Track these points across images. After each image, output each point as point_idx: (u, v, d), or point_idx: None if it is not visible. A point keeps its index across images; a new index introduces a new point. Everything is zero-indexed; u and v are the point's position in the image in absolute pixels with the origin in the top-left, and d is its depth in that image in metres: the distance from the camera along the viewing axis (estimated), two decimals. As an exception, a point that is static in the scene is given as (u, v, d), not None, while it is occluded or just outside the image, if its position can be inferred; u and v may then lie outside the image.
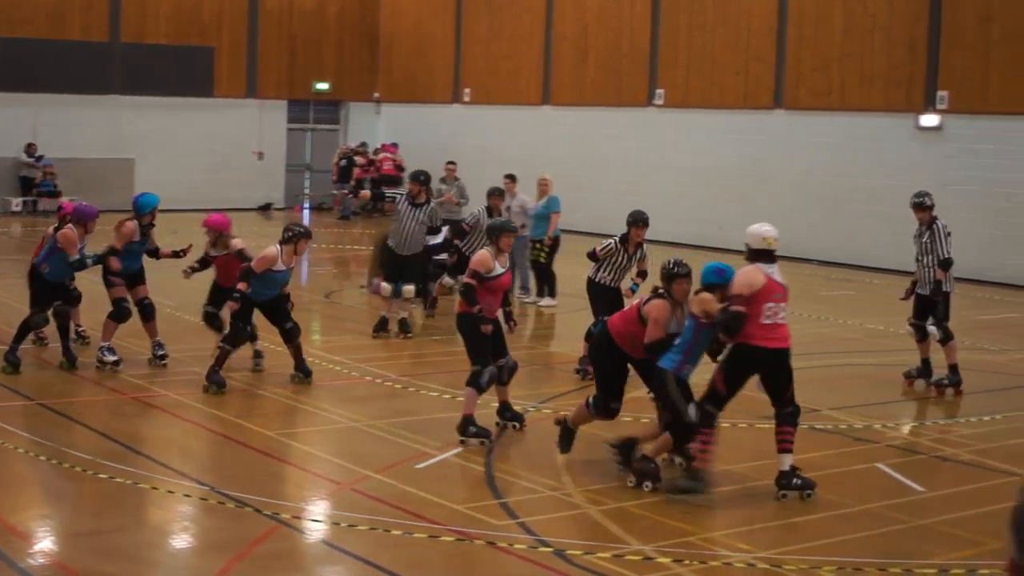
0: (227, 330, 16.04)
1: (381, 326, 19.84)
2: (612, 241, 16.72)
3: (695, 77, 36.28)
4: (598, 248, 16.80)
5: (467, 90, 42.94)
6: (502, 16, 41.74)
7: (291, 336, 16.15)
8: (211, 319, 17.11)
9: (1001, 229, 29.31)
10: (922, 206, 17.63)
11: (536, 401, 15.60)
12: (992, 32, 30.12)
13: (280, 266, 15.74)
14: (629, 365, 12.62)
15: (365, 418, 14.58)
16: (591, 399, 12.68)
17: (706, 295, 11.93)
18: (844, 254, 31.76)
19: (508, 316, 14.39)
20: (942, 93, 31.01)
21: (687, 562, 9.99)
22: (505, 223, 14.39)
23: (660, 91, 37.09)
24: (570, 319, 21.53)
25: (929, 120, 31.12)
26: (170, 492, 11.47)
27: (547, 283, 23.31)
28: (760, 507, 11.72)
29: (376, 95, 45.81)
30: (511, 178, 24.05)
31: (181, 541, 10.51)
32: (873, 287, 28.32)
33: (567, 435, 12.98)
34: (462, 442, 13.41)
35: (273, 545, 10.23)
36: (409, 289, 19.65)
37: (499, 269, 13.92)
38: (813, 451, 13.62)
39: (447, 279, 21.56)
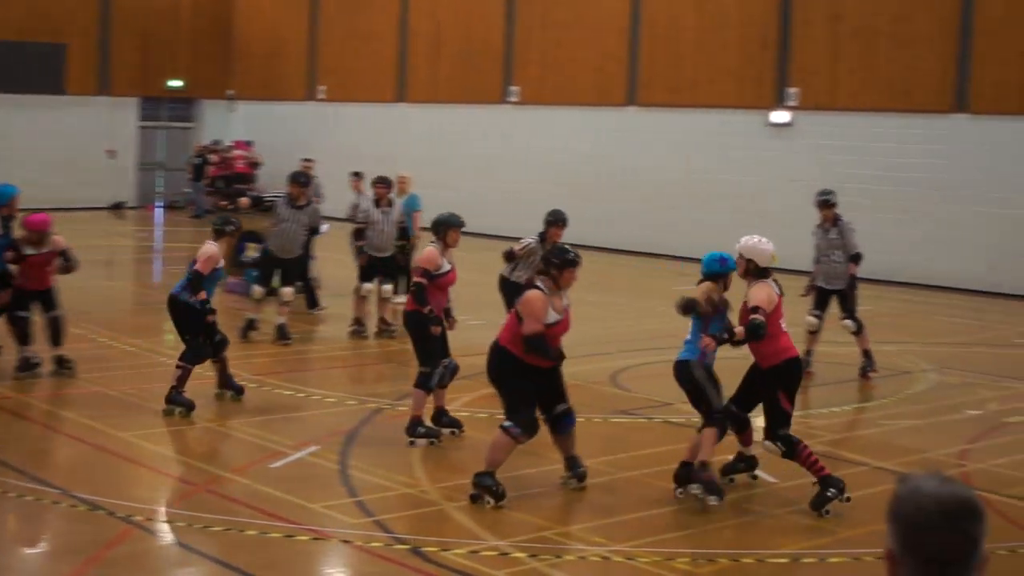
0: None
1: (249, 327, 19.61)
2: (531, 240, 16.77)
3: (549, 74, 36.44)
4: (516, 247, 16.83)
5: (322, 87, 42.74)
6: (356, 13, 41.60)
7: (220, 349, 15.09)
8: (19, 323, 16.02)
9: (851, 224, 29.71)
10: (827, 204, 18.39)
11: (392, 399, 15.55)
12: (841, 30, 30.59)
13: (221, 263, 15.12)
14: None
15: (219, 418, 14.44)
16: (507, 426, 11.50)
17: (709, 284, 11.96)
18: (697, 249, 31.97)
19: (448, 313, 14.20)
20: (792, 90, 31.45)
21: (543, 557, 10.00)
22: (452, 217, 14.10)
23: (514, 88, 37.19)
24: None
25: (780, 116, 31.54)
26: (21, 496, 11.26)
27: (405, 280, 23.21)
28: (614, 500, 11.77)
29: (230, 93, 45.42)
30: (357, 175, 23.87)
31: (33, 546, 10.32)
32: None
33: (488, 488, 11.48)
34: (411, 443, 13.31)
35: (127, 548, 10.07)
36: (287, 291, 19.32)
37: (446, 266, 13.83)
38: (667, 444, 13.73)
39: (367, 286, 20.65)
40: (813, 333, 18.05)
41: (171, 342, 18.92)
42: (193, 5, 44.56)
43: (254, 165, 41.61)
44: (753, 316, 11.53)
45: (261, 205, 21.69)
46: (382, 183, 20.77)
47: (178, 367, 14.54)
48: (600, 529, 10.82)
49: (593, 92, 35.38)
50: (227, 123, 45.08)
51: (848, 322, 18.02)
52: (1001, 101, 28.21)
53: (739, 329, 11.61)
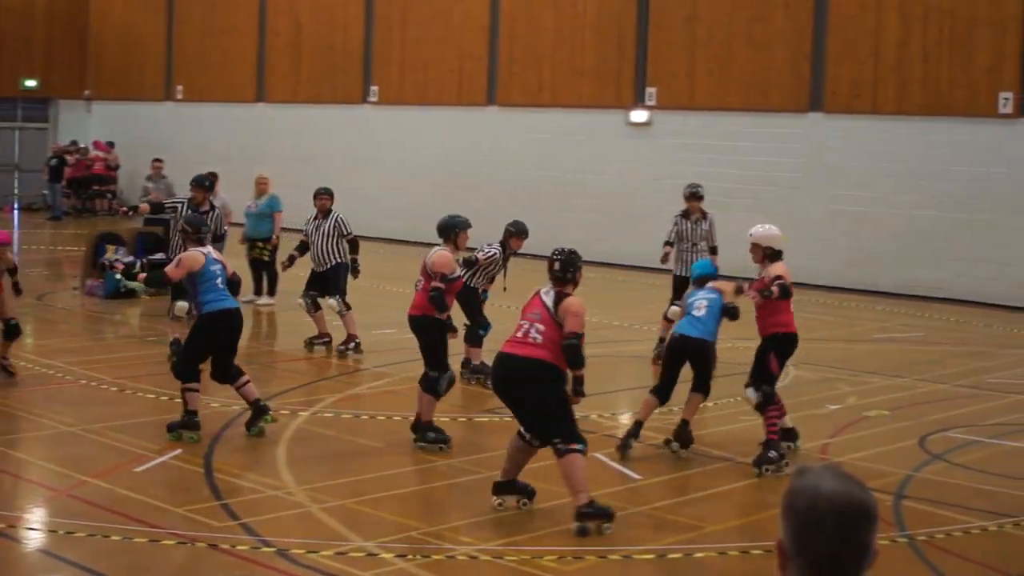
0: None
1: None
2: (495, 249, 17.17)
3: (409, 74, 36.39)
4: (479, 254, 17.06)
5: (180, 87, 42.30)
6: (214, 12, 41.24)
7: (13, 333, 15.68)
8: None
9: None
10: (698, 196, 19.51)
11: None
12: (697, 31, 30.89)
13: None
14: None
15: (81, 422, 14.21)
16: (581, 448, 10.90)
17: (723, 284, 14.01)
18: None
19: (450, 320, 14.11)
20: (651, 89, 31.69)
21: (411, 557, 9.98)
22: (460, 220, 14.57)
23: (375, 88, 37.09)
24: (290, 317, 21.31)
25: (639, 116, 31.78)
26: None
27: (268, 282, 23.07)
28: (481, 500, 11.77)
29: (87, 93, 44.80)
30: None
31: None
32: (588, 280, 28.63)
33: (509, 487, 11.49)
34: (421, 447, 13.16)
35: (-13, 555, 9.90)
36: (182, 306, 17.13)
37: (458, 271, 13.91)
38: (532, 443, 13.76)
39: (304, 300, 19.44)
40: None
41: (31, 346, 18.62)
42: (48, 3, 43.88)
43: (112, 167, 41.09)
44: (780, 280, 12.82)
45: (162, 210, 20.30)
46: (326, 194, 19.52)
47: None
48: (468, 528, 10.81)
49: (453, 92, 35.40)
50: (83, 124, 44.45)
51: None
52: (855, 100, 28.65)
53: (775, 288, 12.77)
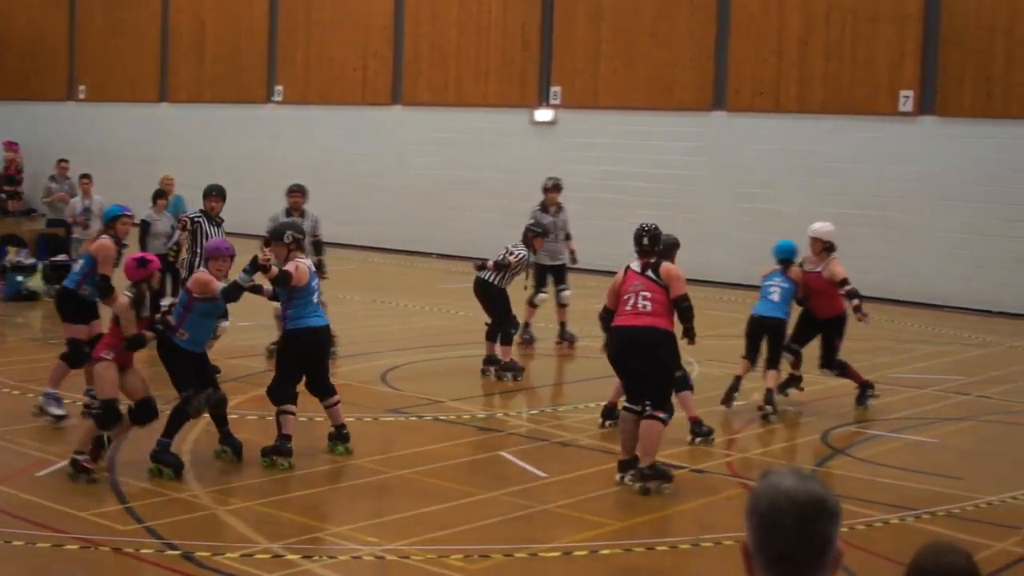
0: None
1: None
2: (522, 251, 17.67)
3: (314, 74, 36.29)
4: (510, 257, 17.40)
5: (82, 87, 41.90)
6: (117, 12, 40.88)
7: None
8: None
9: (612, 220, 30.22)
10: (559, 187, 20.74)
11: (162, 403, 15.25)
12: (602, 29, 31.03)
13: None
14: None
15: (-19, 426, 14.06)
16: (664, 418, 12.02)
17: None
18: (462, 247, 32.22)
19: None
20: (555, 88, 31.80)
21: (316, 558, 9.96)
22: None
23: (279, 88, 36.95)
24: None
25: (543, 115, 31.87)
26: None
27: (173, 282, 22.87)
28: (387, 500, 11.77)
29: (-13, 93, 44.31)
30: (87, 178, 23.34)
31: None
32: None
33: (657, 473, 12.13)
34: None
35: None
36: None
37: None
38: (438, 442, 13.79)
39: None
40: (537, 306, 20.04)
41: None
42: (-54, 4, 43.38)
43: (18, 169, 40.67)
44: (850, 286, 15.83)
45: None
46: (299, 192, 18.73)
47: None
48: (373, 528, 10.80)
49: (358, 91, 35.33)
50: (-17, 124, 43.96)
51: (567, 293, 20.17)
52: (758, 98, 28.91)
53: (856, 300, 15.79)
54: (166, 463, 12.13)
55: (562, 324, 20.18)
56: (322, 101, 36.09)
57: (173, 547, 10.09)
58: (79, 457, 12.00)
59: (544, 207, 20.45)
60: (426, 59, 34.08)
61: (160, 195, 20.90)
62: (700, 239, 27.84)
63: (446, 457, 13.15)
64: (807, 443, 14.35)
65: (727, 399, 15.54)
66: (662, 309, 12.10)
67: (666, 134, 30.08)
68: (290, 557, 9.95)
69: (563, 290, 20.13)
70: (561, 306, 20.14)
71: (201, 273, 12.77)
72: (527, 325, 19.84)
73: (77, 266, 14.67)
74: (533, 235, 18.06)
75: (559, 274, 20.21)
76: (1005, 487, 12.59)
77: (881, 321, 23.88)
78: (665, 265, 12.38)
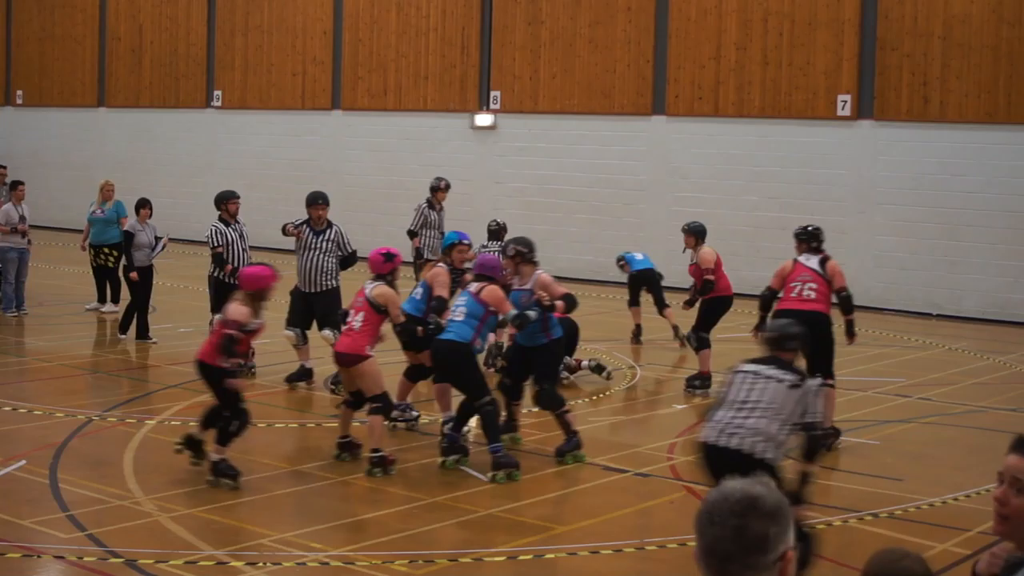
0: None
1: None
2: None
3: (253, 79, 36.14)
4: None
5: (20, 92, 41.56)
6: (54, 16, 40.57)
7: None
8: None
9: (551, 224, 30.28)
10: (449, 186, 22.10)
11: (101, 409, 15.19)
12: (541, 35, 31.06)
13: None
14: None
15: (-80, 434, 13.91)
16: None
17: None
18: (403, 252, 32.14)
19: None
20: (495, 93, 31.81)
21: (261, 565, 9.90)
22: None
23: (218, 92, 36.78)
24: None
25: (483, 120, 31.86)
26: None
27: (112, 289, 22.74)
28: (332, 505, 11.72)
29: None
30: (20, 184, 23.09)
31: None
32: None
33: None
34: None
35: None
36: (328, 335, 16.07)
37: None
38: (386, 445, 13.74)
39: None
40: None
41: None
42: None
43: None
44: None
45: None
46: (324, 203, 17.54)
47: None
48: (318, 534, 10.75)
49: (297, 96, 35.23)
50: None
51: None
52: (696, 103, 29.01)
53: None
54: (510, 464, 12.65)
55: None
56: (261, 106, 35.96)
57: (116, 555, 10.01)
58: (378, 454, 12.46)
59: (431, 205, 21.55)
60: (365, 64, 34.02)
61: (144, 204, 20.68)
62: (639, 243, 27.90)
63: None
64: (749, 446, 14.35)
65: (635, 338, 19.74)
66: (823, 299, 14.51)
67: (605, 139, 30.15)
68: (234, 564, 9.89)
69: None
70: None
71: (497, 290, 13.13)
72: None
73: (418, 294, 14.58)
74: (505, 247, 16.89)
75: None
76: (946, 488, 12.67)
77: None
78: (830, 263, 14.58)
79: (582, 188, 30.26)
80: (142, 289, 20.05)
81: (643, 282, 21.41)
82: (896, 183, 26.66)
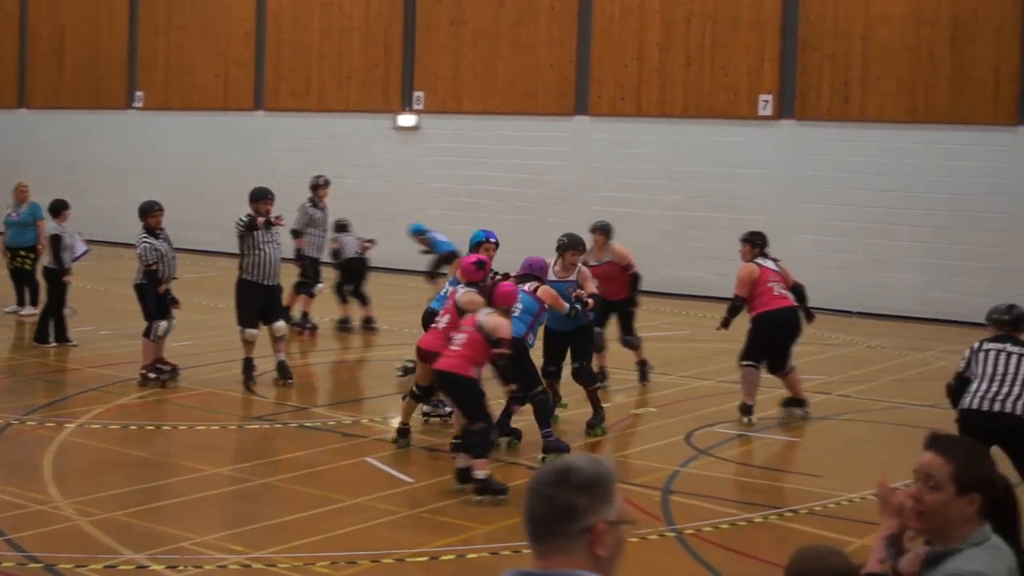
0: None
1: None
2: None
3: (175, 79, 35.93)
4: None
5: (-62, 94, 41.18)
6: (-28, 16, 40.18)
7: None
8: None
9: (474, 224, 30.19)
10: (329, 183, 22.13)
11: (19, 413, 15.04)
12: (464, 34, 31.06)
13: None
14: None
15: None
16: None
17: None
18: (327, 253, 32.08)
19: None
20: (418, 93, 31.78)
21: (182, 568, 9.84)
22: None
23: (140, 93, 36.55)
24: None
25: (406, 120, 31.83)
26: None
27: (31, 292, 22.52)
28: (253, 508, 11.67)
29: None
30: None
31: None
32: (399, 288, 28.55)
33: None
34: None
35: None
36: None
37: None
38: (303, 449, 13.70)
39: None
40: (314, 296, 21.57)
41: None
42: None
43: None
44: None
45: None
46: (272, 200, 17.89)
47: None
48: (239, 537, 10.69)
49: (220, 97, 35.05)
50: None
51: (321, 286, 21.63)
52: (619, 103, 29.10)
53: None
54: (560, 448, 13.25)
55: (305, 313, 21.37)
56: (183, 107, 35.75)
57: (35, 559, 9.92)
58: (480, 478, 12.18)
59: (315, 203, 21.69)
60: (288, 64, 33.90)
61: (63, 207, 20.42)
62: (564, 243, 27.97)
63: (312, 464, 13.07)
64: (671, 444, 14.44)
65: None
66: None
67: (528, 139, 30.20)
68: (155, 568, 9.82)
69: (321, 283, 21.61)
70: (312, 296, 21.39)
71: (550, 289, 14.07)
72: (305, 315, 21.35)
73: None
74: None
75: (315, 266, 21.62)
76: (865, 484, 12.75)
77: (742, 322, 24.11)
78: (780, 262, 15.98)
79: (506, 188, 30.29)
80: (58, 292, 19.87)
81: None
82: (818, 182, 26.87)
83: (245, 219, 17.22)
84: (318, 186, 21.95)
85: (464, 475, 12.19)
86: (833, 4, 26.73)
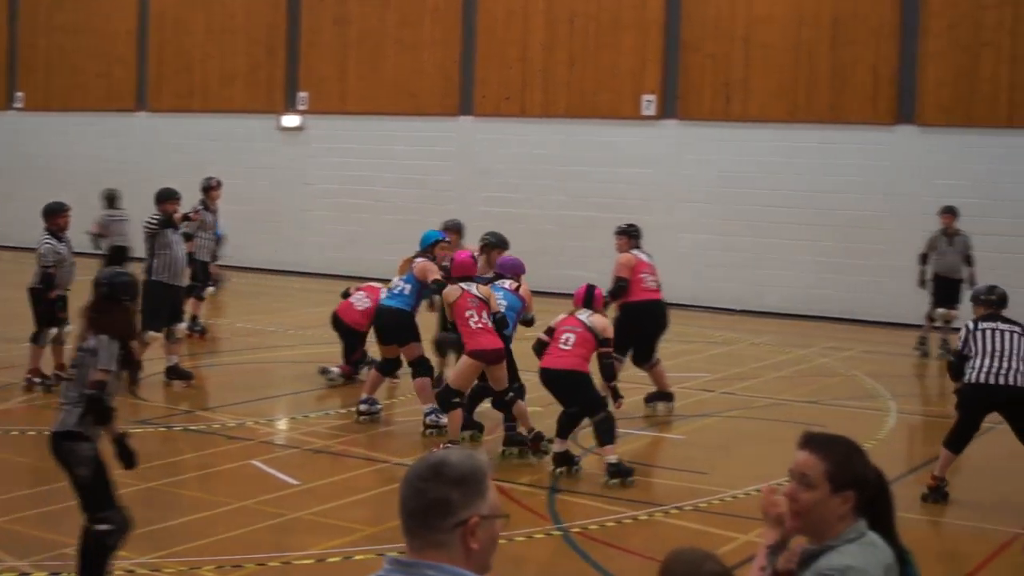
0: None
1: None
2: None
3: (56, 80, 35.48)
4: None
5: None
6: None
7: None
8: None
9: (359, 225, 30.21)
10: (221, 184, 21.79)
11: None
12: (348, 34, 30.95)
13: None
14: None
15: None
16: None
17: None
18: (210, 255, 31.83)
19: None
20: (302, 94, 31.63)
21: (65, 574, 9.73)
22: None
23: (20, 94, 36.06)
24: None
25: (290, 121, 31.67)
26: None
27: None
28: (137, 513, 11.53)
29: None
30: None
31: None
32: (239, 286, 28.42)
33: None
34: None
35: None
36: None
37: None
38: (188, 453, 13.61)
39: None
40: (203, 300, 21.29)
41: None
42: None
43: None
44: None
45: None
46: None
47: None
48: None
49: (102, 97, 34.64)
50: None
51: (211, 289, 21.55)
52: (503, 103, 29.14)
53: None
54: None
55: (194, 317, 20.97)
56: (65, 108, 35.29)
57: (-88, 568, 9.78)
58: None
59: (206, 206, 21.14)
60: (171, 64, 33.58)
61: None
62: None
63: (196, 467, 12.98)
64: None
65: None
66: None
67: (413, 139, 30.16)
68: (37, 574, 9.71)
69: (209, 285, 21.33)
70: (201, 299, 21.05)
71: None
72: (195, 318, 20.93)
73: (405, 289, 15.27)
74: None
75: (208, 271, 21.36)
76: (749, 480, 12.88)
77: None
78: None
79: (391, 189, 30.23)
80: None
81: None
82: (699, 181, 27.09)
83: (156, 219, 17.07)
84: (210, 188, 21.49)
85: (563, 458, 13.07)
86: (715, 5, 26.97)
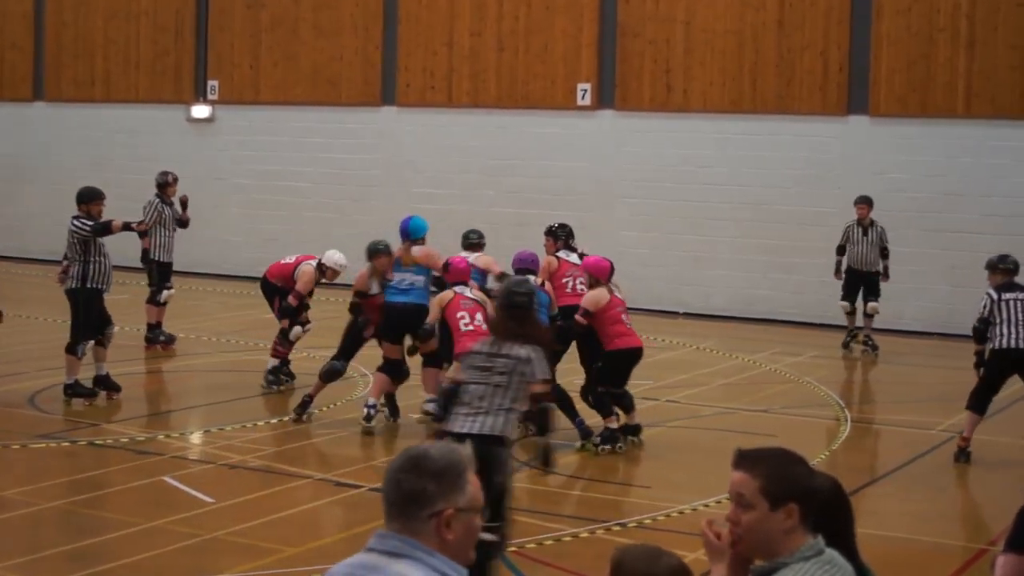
0: None
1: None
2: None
3: (-56, 67, 35.17)
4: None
5: None
6: None
7: None
8: None
9: (277, 222, 30.09)
10: (177, 179, 21.97)
11: None
12: (261, 19, 30.81)
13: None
14: None
15: None
16: None
17: None
18: (120, 255, 31.61)
19: None
20: (212, 83, 31.48)
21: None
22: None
23: (-95, 83, 35.72)
24: None
25: (200, 111, 31.51)
26: None
27: None
28: (41, 533, 11.49)
29: None
30: None
31: None
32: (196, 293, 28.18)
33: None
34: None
35: None
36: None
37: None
38: (95, 469, 13.52)
39: None
40: (164, 304, 21.19)
41: None
42: None
43: None
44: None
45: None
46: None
47: None
48: (26, 566, 10.50)
49: (-5, 86, 34.39)
50: None
51: (169, 291, 21.16)
52: (429, 92, 29.12)
53: None
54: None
55: (158, 323, 20.92)
56: (-47, 97, 35.00)
57: None
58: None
59: (164, 201, 21.36)
60: (70, 50, 33.31)
61: None
62: (369, 240, 27.92)
63: (104, 485, 12.90)
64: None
65: None
66: None
67: (333, 131, 30.08)
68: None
69: (169, 287, 21.14)
70: (160, 304, 20.99)
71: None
72: (158, 325, 20.83)
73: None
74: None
75: (170, 271, 21.39)
76: (696, 495, 12.94)
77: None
78: (586, 257, 16.17)
79: (310, 184, 30.14)
80: None
81: None
82: (639, 176, 27.15)
83: (92, 222, 16.88)
84: (166, 184, 21.63)
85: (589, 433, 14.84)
86: (655, -13, 27.05)
